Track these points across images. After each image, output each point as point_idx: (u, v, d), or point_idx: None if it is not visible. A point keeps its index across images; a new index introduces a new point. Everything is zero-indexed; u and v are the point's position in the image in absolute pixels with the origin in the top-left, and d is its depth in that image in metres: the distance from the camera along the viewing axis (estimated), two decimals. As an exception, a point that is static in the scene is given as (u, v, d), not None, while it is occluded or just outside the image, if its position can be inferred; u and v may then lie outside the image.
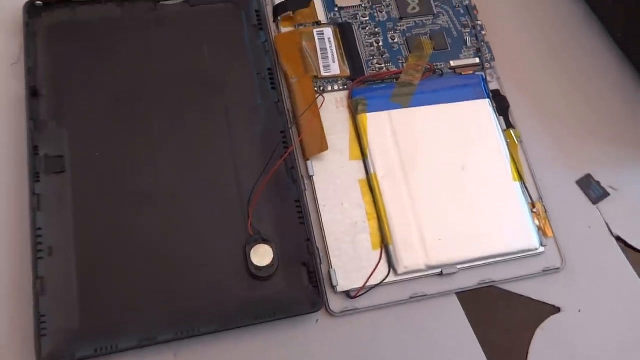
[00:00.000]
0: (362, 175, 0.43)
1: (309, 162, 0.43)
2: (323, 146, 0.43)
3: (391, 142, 0.44)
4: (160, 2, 0.47)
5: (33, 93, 0.43)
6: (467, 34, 0.49)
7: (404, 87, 0.46)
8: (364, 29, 0.48)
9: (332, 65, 0.46)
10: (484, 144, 0.45)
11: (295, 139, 0.44)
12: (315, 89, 0.45)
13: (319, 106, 0.44)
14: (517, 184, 0.44)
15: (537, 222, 0.44)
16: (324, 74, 0.46)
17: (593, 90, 0.49)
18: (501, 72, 0.48)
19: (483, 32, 0.49)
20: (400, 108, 0.45)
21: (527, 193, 0.44)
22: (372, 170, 0.43)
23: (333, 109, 0.45)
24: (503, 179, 0.44)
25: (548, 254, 0.43)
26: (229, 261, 0.40)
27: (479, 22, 0.49)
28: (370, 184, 0.43)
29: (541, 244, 0.43)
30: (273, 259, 0.40)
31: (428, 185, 0.43)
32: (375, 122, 0.44)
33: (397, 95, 0.45)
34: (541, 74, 0.49)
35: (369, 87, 0.45)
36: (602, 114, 0.48)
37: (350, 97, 0.45)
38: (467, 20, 0.49)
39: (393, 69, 0.47)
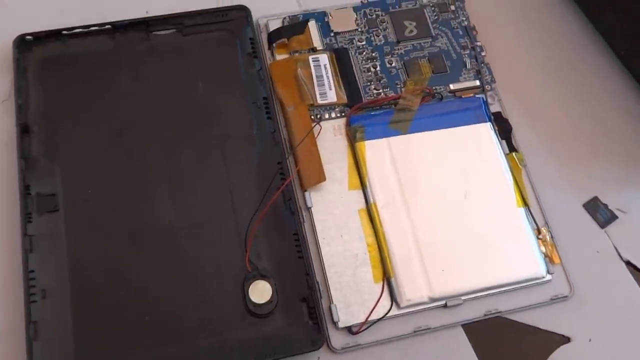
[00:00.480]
0: (361, 205, 0.42)
1: (306, 193, 0.42)
2: (321, 176, 0.42)
3: (391, 170, 0.43)
4: (153, 32, 0.46)
5: (24, 130, 0.42)
6: (466, 55, 0.48)
7: (403, 113, 0.45)
8: (360, 53, 0.47)
9: (329, 92, 0.45)
10: (486, 169, 0.43)
11: (292, 170, 0.43)
12: (312, 117, 0.44)
13: (315, 135, 0.43)
14: (522, 210, 0.43)
15: (543, 248, 0.42)
16: (320, 101, 0.45)
17: (598, 109, 0.48)
18: (502, 93, 0.47)
19: (483, 54, 0.48)
20: (399, 134, 0.44)
21: (532, 219, 0.43)
22: (371, 200, 0.42)
23: (331, 137, 0.44)
24: (507, 206, 0.42)
25: (556, 282, 0.41)
26: (226, 299, 0.39)
27: (479, 43, 0.48)
28: (370, 214, 0.42)
29: (548, 272, 0.41)
30: (272, 295, 0.39)
31: (430, 214, 0.42)
32: (374, 150, 0.43)
33: (396, 122, 0.44)
34: (544, 94, 0.48)
35: (366, 114, 0.44)
36: (608, 133, 0.47)
37: (348, 124, 0.44)
38: (466, 42, 0.48)
39: (391, 94, 0.46)
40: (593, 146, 0.46)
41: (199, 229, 0.41)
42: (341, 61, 0.46)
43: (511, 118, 0.46)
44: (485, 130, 0.45)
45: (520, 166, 0.45)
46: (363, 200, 0.42)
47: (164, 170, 0.42)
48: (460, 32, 0.49)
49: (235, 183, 0.42)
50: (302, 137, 0.43)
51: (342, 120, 0.44)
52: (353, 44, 0.47)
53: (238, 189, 0.42)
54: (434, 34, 0.48)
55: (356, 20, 0.48)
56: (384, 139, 0.43)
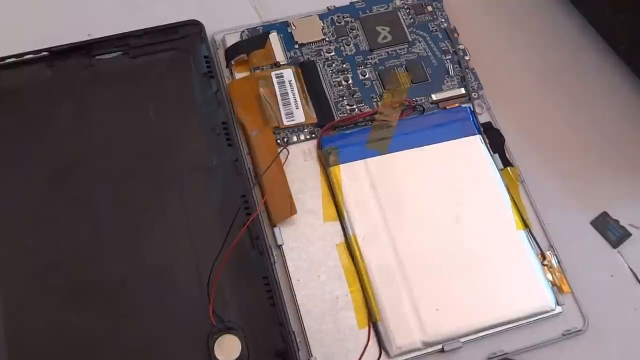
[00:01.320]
0: (339, 238, 0.37)
1: (276, 229, 0.37)
2: (291, 209, 0.37)
3: (371, 196, 0.38)
4: (96, 57, 0.41)
5: (-51, 177, 0.37)
6: (448, 61, 0.43)
7: (381, 130, 0.40)
8: (329, 66, 0.42)
9: (296, 112, 0.40)
10: (479, 188, 0.38)
11: (258, 203, 0.38)
12: (278, 141, 0.39)
13: (283, 161, 0.38)
14: (522, 233, 0.37)
15: (550, 276, 0.37)
16: (286, 123, 0.40)
17: (600, 113, 0.43)
18: (492, 101, 0.42)
19: (466, 58, 0.43)
20: (378, 155, 0.39)
21: (534, 242, 0.38)
22: (351, 232, 0.37)
23: (300, 162, 0.39)
24: (505, 229, 0.37)
25: (567, 314, 0.36)
26: (189, 358, 0.34)
27: (461, 47, 0.43)
28: (350, 249, 0.37)
29: (557, 303, 0.36)
30: (241, 351, 0.34)
31: (418, 245, 0.37)
32: (351, 174, 0.38)
33: (374, 140, 0.39)
34: (538, 100, 0.43)
35: (340, 134, 0.39)
36: (613, 140, 0.42)
37: (319, 147, 0.39)
38: (447, 46, 0.43)
39: (366, 109, 0.41)
40: (597, 155, 0.41)
41: (154, 279, 0.36)
42: (308, 76, 0.41)
43: (503, 128, 0.41)
44: (475, 144, 0.40)
45: (516, 182, 0.40)
46: (341, 233, 0.37)
47: (113, 214, 0.37)
48: (440, 36, 0.44)
49: (194, 223, 0.37)
50: (268, 164, 0.38)
51: (313, 143, 0.39)
52: (321, 55, 0.42)
53: (198, 229, 0.37)
54: (410, 39, 0.43)
55: (323, 29, 0.43)
56: (361, 161, 0.38)
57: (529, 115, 0.42)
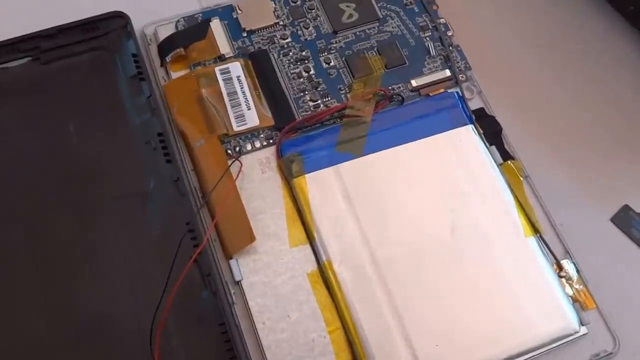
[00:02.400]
0: (311, 266, 0.30)
1: (232, 262, 0.30)
2: (249, 235, 0.30)
3: (346, 210, 0.31)
4: (1, 66, 0.34)
5: None
6: (427, 38, 0.36)
7: (353, 128, 0.33)
8: (285, 55, 0.35)
9: (248, 114, 0.33)
10: (476, 189, 0.32)
11: (208, 230, 0.31)
12: (229, 151, 0.32)
13: (235, 176, 0.31)
14: (533, 240, 0.31)
15: (570, 291, 0.31)
16: (237, 128, 0.33)
17: (610, 88, 0.37)
18: (483, 82, 0.36)
19: (449, 33, 0.36)
20: (351, 159, 0.32)
21: (548, 251, 0.31)
22: (324, 257, 0.30)
23: (257, 175, 0.32)
24: (511, 237, 0.31)
25: (594, 335, 0.30)
26: None
27: (442, 20, 0.37)
28: (325, 278, 0.30)
29: (582, 323, 0.30)
30: (196, 419, 0.27)
31: (407, 266, 0.30)
32: (319, 185, 0.31)
33: (345, 141, 0.33)
34: (538, 77, 0.37)
35: (303, 137, 0.33)
36: (628, 119, 0.36)
37: (279, 154, 0.32)
38: (425, 21, 0.37)
39: (334, 104, 0.34)
40: (612, 138, 0.36)
41: (87, 333, 0.29)
42: (260, 69, 0.34)
43: (499, 114, 0.35)
44: (468, 136, 0.33)
45: (520, 178, 0.33)
46: (313, 259, 0.30)
47: (29, 258, 0.30)
48: (416, 9, 0.37)
49: (131, 260, 0.30)
50: (217, 180, 0.31)
51: (271, 150, 0.32)
52: (274, 43, 0.35)
53: (136, 268, 0.30)
54: (381, 16, 0.37)
55: (275, 11, 0.36)
56: (331, 168, 0.32)
57: (528, 96, 0.36)
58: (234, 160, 0.32)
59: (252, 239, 0.30)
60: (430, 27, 0.37)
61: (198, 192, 0.32)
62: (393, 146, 0.33)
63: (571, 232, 0.33)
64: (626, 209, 0.34)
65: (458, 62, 0.36)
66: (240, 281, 0.30)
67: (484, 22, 0.38)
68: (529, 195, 0.33)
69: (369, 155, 0.32)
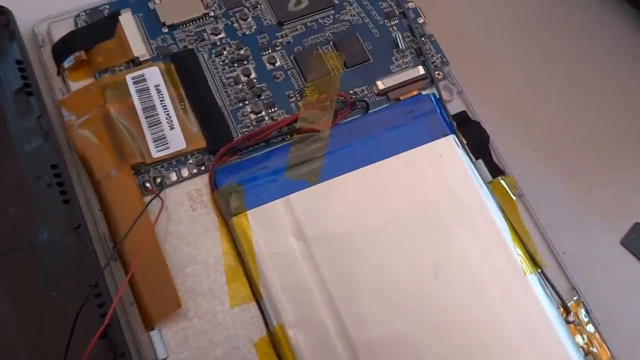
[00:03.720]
0: (258, 332, 0.24)
1: (154, 334, 0.23)
2: (173, 300, 0.23)
3: (301, 255, 0.24)
4: None
5: None
6: (394, 28, 0.30)
7: (307, 146, 0.26)
8: (219, 55, 0.28)
9: (170, 134, 0.26)
10: (461, 216, 0.25)
11: (119, 292, 0.24)
12: (147, 184, 0.25)
13: (155, 217, 0.24)
14: (533, 278, 0.25)
15: (580, 340, 0.25)
16: (157, 154, 0.25)
17: (615, 83, 0.31)
18: (463, 81, 0.30)
19: (420, 20, 0.30)
20: (306, 186, 0.25)
21: (551, 290, 0.26)
22: (274, 320, 0.23)
23: (186, 214, 0.25)
24: (507, 276, 0.25)
25: (613, 394, 0.24)
26: None
27: (410, 5, 0.30)
28: (277, 347, 0.23)
29: (598, 380, 0.24)
30: None
31: (381, 325, 0.23)
32: (266, 224, 0.25)
33: (297, 164, 0.26)
34: (530, 71, 0.31)
35: (244, 161, 0.26)
36: (636, 120, 0.30)
37: (214, 186, 0.25)
38: (390, 6, 0.30)
39: (282, 116, 0.27)
40: (619, 145, 0.29)
41: None
42: (187, 74, 0.27)
43: (484, 118, 0.29)
44: (448, 149, 0.27)
45: (513, 198, 0.27)
46: (261, 323, 0.24)
47: None
48: None
49: (17, 335, 0.23)
50: (131, 224, 0.24)
51: (203, 180, 0.26)
52: (204, 40, 0.28)
53: (22, 345, 0.23)
54: (337, 2, 0.30)
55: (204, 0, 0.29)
56: (281, 201, 0.25)
57: (518, 95, 0.30)
58: (154, 197, 0.25)
59: (177, 304, 0.23)
60: (397, 13, 0.30)
61: (108, 240, 0.25)
62: (358, 168, 0.26)
63: (576, 262, 0.27)
64: (638, 228, 0.28)
65: (433, 57, 0.29)
66: (165, 359, 0.23)
67: (461, 5, 0.32)
68: (525, 218, 0.27)
69: (328, 182, 0.25)
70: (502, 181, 0.28)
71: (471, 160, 0.27)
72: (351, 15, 0.30)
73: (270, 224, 0.25)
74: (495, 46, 0.31)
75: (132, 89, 0.26)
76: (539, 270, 0.26)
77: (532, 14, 0.32)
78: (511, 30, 0.31)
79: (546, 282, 0.26)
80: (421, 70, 0.29)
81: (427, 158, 0.27)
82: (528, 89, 0.30)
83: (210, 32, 0.28)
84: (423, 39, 0.29)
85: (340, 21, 0.29)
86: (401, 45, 0.29)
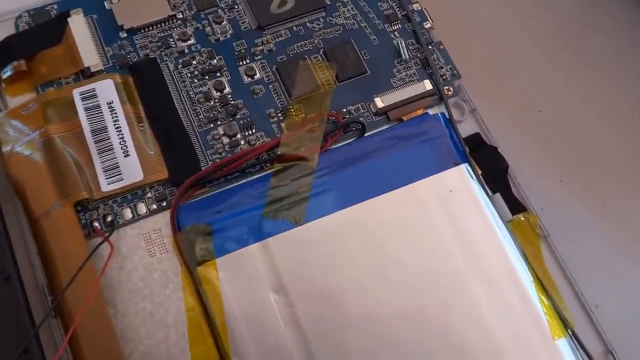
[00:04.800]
0: (228, 408, 0.20)
1: (98, 412, 0.19)
2: (123, 366, 0.19)
3: (280, 313, 0.20)
4: None
5: None
6: (397, 34, 0.25)
7: (289, 178, 0.22)
8: (187, 65, 0.24)
9: (125, 162, 0.22)
10: (475, 265, 0.21)
11: (57, 357, 0.20)
12: (95, 223, 0.21)
13: (103, 266, 0.20)
14: (563, 343, 0.21)
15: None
16: (107, 187, 0.21)
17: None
18: (477, 97, 0.25)
19: (427, 25, 0.26)
20: (288, 229, 0.21)
21: (583, 355, 0.21)
22: (248, 394, 0.20)
23: (142, 261, 0.21)
24: (532, 341, 0.21)
25: None
26: None
27: (416, 6, 0.26)
28: None
29: None
30: None
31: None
32: (239, 275, 0.20)
33: (278, 200, 0.22)
34: (555, 85, 0.26)
35: (213, 196, 0.22)
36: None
37: (176, 226, 0.21)
38: (391, 7, 0.26)
39: (261, 140, 0.23)
40: None
41: None
42: (147, 88, 0.23)
43: (501, 142, 0.25)
44: (460, 181, 0.23)
45: (537, 241, 0.23)
46: (230, 396, 0.20)
47: None
48: None
49: None
50: (74, 273, 0.20)
51: (164, 218, 0.21)
52: (170, 47, 0.24)
53: None
54: (328, 2, 0.26)
55: None
56: (257, 245, 0.21)
57: (541, 113, 0.26)
58: (103, 240, 0.21)
59: (129, 373, 0.19)
60: (400, 16, 0.26)
61: (46, 293, 0.21)
62: (351, 205, 0.22)
63: (611, 317, 0.23)
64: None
65: (442, 68, 0.25)
66: None
67: (474, 7, 0.28)
68: (550, 264, 0.23)
69: (315, 222, 0.21)
70: (523, 219, 0.24)
71: (487, 194, 0.23)
72: (345, 19, 0.25)
73: (243, 275, 0.21)
74: (514, 55, 0.27)
75: (80, 106, 0.22)
76: (570, 331, 0.22)
77: (558, 17, 0.28)
78: (533, 37, 0.27)
79: (577, 346, 0.22)
80: (428, 85, 0.24)
81: (434, 193, 0.22)
82: (552, 106, 0.26)
83: (177, 37, 0.24)
84: (430, 47, 0.25)
85: (332, 25, 0.25)
86: (404, 54, 0.25)
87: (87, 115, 0.22)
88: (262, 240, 0.21)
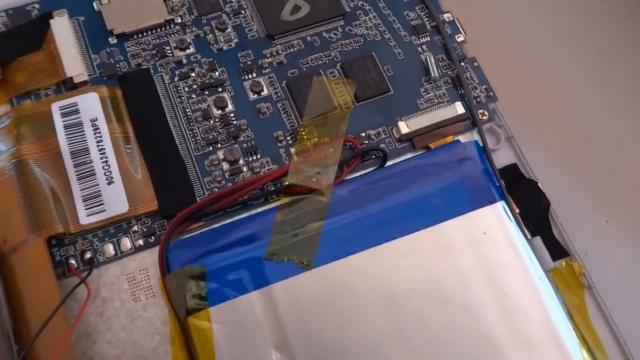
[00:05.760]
0: None
1: None
2: None
3: (284, 372, 0.18)
4: None
5: None
6: (425, 48, 0.22)
7: (297, 213, 0.19)
8: (184, 78, 0.21)
9: (108, 190, 0.19)
10: (511, 325, 0.18)
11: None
12: (72, 261, 0.18)
13: (78, 312, 0.18)
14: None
15: None
16: (86, 219, 0.18)
17: None
18: (515, 122, 0.22)
19: (459, 39, 0.23)
20: (294, 275, 0.18)
21: None
22: None
23: (122, 305, 0.18)
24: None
25: None
26: None
27: (447, 16, 0.23)
28: None
29: None
30: None
31: None
32: (235, 328, 0.17)
33: (282, 241, 0.19)
34: (603, 110, 0.24)
35: (208, 232, 0.19)
36: None
37: (165, 268, 0.18)
38: (419, 17, 0.23)
39: (266, 168, 0.20)
40: None
41: None
42: (138, 104, 0.20)
43: (542, 177, 0.22)
44: (496, 222, 0.20)
45: (581, 293, 0.20)
46: None
47: None
48: None
49: None
50: (46, 319, 0.17)
51: (151, 256, 0.19)
52: (165, 57, 0.21)
53: None
54: (349, 8, 0.23)
55: (168, 0, 0.22)
56: (258, 293, 0.18)
57: (586, 142, 0.22)
58: (79, 283, 0.18)
59: None
60: (429, 27, 0.23)
61: (12, 342, 0.18)
62: (368, 247, 0.19)
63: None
64: None
65: (475, 89, 0.22)
66: None
67: (514, 18, 0.25)
68: (596, 319, 0.20)
69: (326, 267, 0.18)
70: (566, 267, 0.21)
71: (526, 238, 0.20)
72: (366, 29, 0.22)
73: (241, 328, 0.18)
74: (556, 75, 0.24)
75: (60, 123, 0.19)
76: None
77: (608, 34, 0.25)
78: (579, 54, 0.24)
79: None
80: (460, 107, 0.21)
81: (465, 235, 0.19)
82: (600, 134, 0.23)
83: (174, 45, 0.21)
84: (463, 63, 0.22)
85: (352, 36, 0.22)
86: (433, 72, 0.22)
87: (67, 134, 0.19)
88: (263, 287, 0.18)
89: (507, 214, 0.20)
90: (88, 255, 0.19)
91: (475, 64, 0.23)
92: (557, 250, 0.21)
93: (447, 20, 0.23)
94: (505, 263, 0.20)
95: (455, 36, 0.23)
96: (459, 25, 0.23)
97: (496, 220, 0.20)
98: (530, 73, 0.24)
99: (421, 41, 0.22)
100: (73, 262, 0.18)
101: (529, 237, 0.20)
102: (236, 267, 0.18)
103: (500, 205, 0.20)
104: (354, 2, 0.23)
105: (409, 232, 0.19)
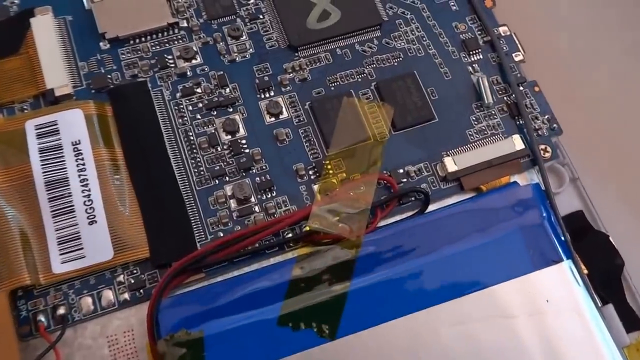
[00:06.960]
0: None
1: None
2: None
3: None
4: None
5: None
6: (476, 66, 0.19)
7: (319, 267, 0.16)
8: (188, 95, 0.18)
9: (89, 231, 0.15)
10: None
11: None
12: (41, 319, 0.15)
13: None
14: None
15: None
16: (60, 268, 0.15)
17: None
18: (580, 160, 0.18)
19: (518, 57, 0.19)
20: (314, 345, 0.15)
21: None
22: None
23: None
24: None
25: None
26: None
27: (503, 29, 0.20)
28: None
29: None
30: None
31: None
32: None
33: (300, 303, 0.15)
34: None
35: (209, 288, 0.16)
36: None
37: (155, 332, 0.15)
38: (470, 30, 0.20)
39: (283, 209, 0.17)
40: None
41: None
42: (131, 124, 0.17)
43: (613, 228, 0.18)
44: (560, 287, 0.16)
45: (661, 374, 0.17)
46: None
47: None
48: (454, 5, 0.20)
49: None
50: None
51: (138, 314, 0.16)
52: (167, 68, 0.18)
53: None
54: (387, 17, 0.19)
55: (173, 1, 0.19)
56: None
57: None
58: (49, 348, 0.15)
59: None
60: (481, 42, 0.19)
61: None
62: (404, 313, 0.15)
63: None
64: None
65: (537, 119, 0.19)
66: None
67: (580, 36, 0.21)
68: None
69: (351, 337, 0.15)
70: (640, 338, 0.17)
71: (596, 306, 0.17)
72: (407, 42, 0.19)
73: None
74: (633, 103, 0.20)
75: (34, 145, 0.16)
76: None
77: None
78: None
79: None
80: (518, 142, 0.18)
81: (523, 302, 0.16)
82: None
83: (177, 54, 0.18)
84: (522, 88, 0.19)
85: (390, 50, 0.19)
86: (486, 97, 0.18)
87: (43, 160, 0.16)
88: (275, 360, 0.15)
89: (575, 277, 0.17)
90: (61, 311, 0.15)
91: (537, 88, 0.19)
92: (631, 321, 0.18)
93: (503, 34, 0.20)
94: (573, 338, 0.16)
95: (513, 54, 0.19)
96: (517, 41, 0.20)
97: (561, 285, 0.17)
98: (600, 101, 0.20)
99: (472, 59, 0.19)
100: (42, 319, 0.15)
101: (600, 305, 0.17)
102: (242, 334, 0.15)
103: (567, 265, 0.17)
104: (394, 9, 0.19)
105: (455, 296, 0.16)
